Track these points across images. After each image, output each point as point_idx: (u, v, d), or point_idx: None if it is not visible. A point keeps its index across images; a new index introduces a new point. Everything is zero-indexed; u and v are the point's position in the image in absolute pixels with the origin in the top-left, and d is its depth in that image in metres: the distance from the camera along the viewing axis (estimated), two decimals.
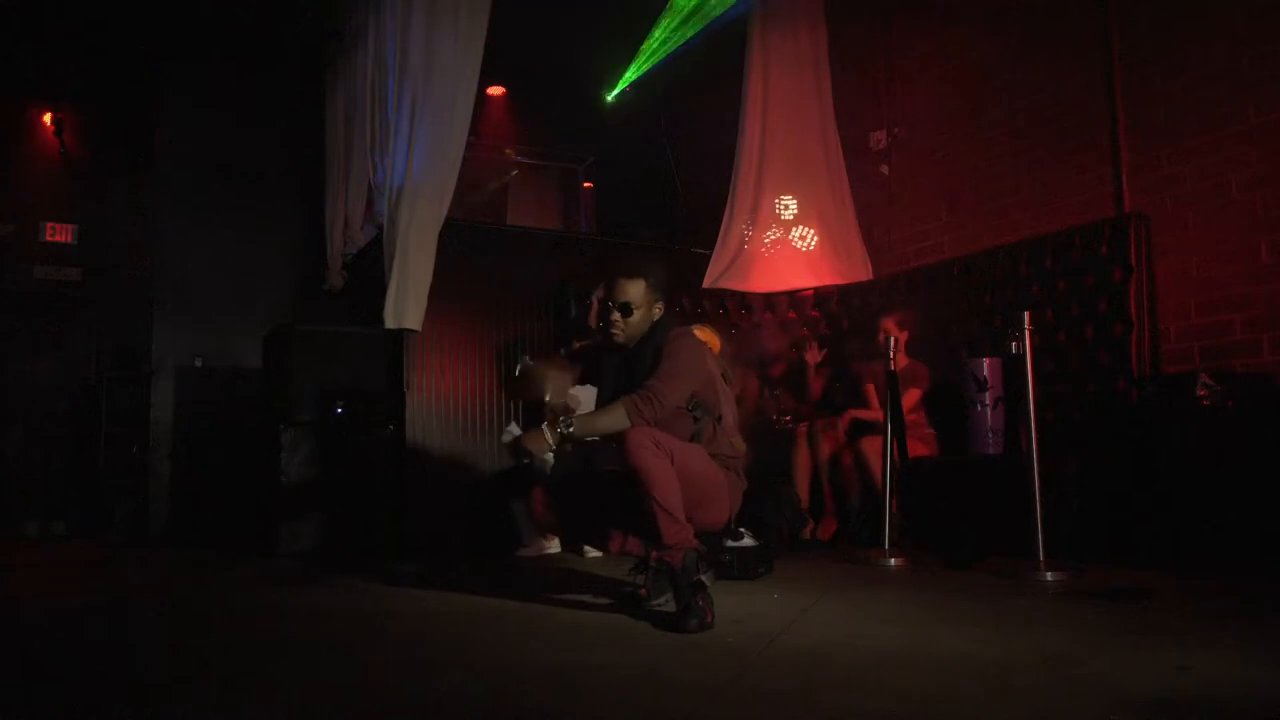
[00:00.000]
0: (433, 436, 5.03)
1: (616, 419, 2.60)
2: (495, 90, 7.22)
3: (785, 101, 5.69)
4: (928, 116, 5.47)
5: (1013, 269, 4.65)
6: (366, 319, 5.18)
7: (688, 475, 2.58)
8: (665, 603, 2.65)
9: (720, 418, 2.90)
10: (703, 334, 3.07)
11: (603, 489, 2.77)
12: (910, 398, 4.47)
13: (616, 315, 2.82)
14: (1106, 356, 4.15)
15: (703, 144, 6.60)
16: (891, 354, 4.06)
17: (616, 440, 2.57)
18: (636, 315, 2.82)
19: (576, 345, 4.63)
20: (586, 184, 7.72)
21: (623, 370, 2.87)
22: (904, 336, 4.64)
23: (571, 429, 2.60)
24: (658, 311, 2.87)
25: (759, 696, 1.76)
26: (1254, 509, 3.20)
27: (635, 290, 2.81)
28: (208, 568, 4.33)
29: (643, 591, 2.73)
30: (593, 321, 4.58)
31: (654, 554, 2.67)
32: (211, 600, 3.39)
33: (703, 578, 2.47)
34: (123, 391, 6.54)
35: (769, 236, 5.66)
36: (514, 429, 2.67)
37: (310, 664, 2.16)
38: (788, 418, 5.02)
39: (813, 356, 5.20)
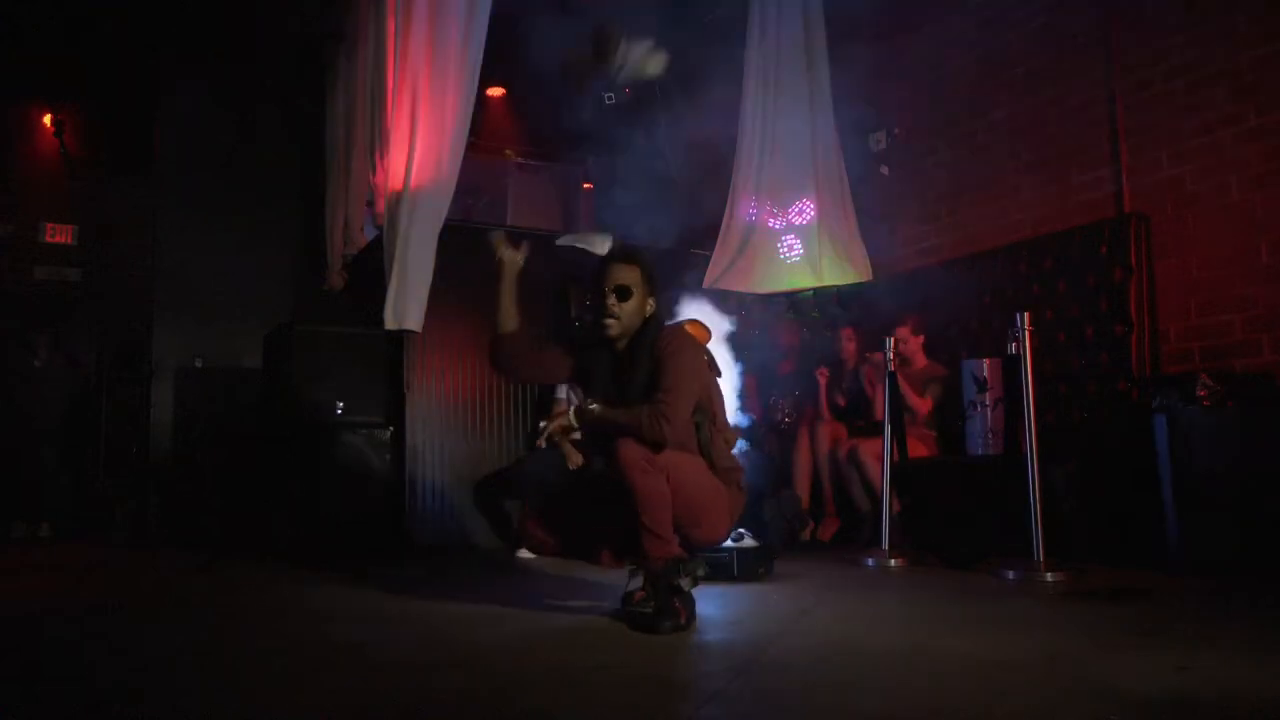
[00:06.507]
0: (433, 437, 5.03)
1: (630, 425, 2.49)
2: (495, 90, 7.22)
3: (785, 101, 5.69)
4: (928, 117, 5.47)
5: (1013, 269, 4.65)
6: (366, 319, 5.18)
7: (684, 490, 2.51)
8: None
9: (715, 416, 2.79)
10: (694, 330, 2.95)
11: (593, 508, 2.73)
12: (933, 394, 4.52)
13: (613, 300, 2.64)
14: (1106, 357, 4.15)
15: (703, 144, 6.60)
16: (892, 355, 4.09)
17: (609, 453, 2.50)
18: (633, 302, 2.66)
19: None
20: (586, 184, 7.72)
21: (612, 373, 2.73)
22: (920, 340, 4.68)
23: (594, 410, 2.54)
24: (650, 307, 2.72)
25: (759, 697, 1.76)
26: (1254, 509, 3.20)
27: (631, 275, 2.67)
28: (207, 568, 4.33)
29: (642, 593, 2.73)
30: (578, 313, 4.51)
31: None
32: (211, 601, 3.39)
33: (680, 583, 2.44)
34: (123, 391, 6.54)
35: (768, 237, 5.66)
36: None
37: (310, 665, 2.16)
38: (787, 418, 5.00)
39: (824, 375, 5.10)
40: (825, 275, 5.59)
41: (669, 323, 2.87)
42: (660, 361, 2.59)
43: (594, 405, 2.57)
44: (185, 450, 5.98)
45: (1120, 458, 3.69)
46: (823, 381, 4.99)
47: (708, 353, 2.91)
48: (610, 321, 2.66)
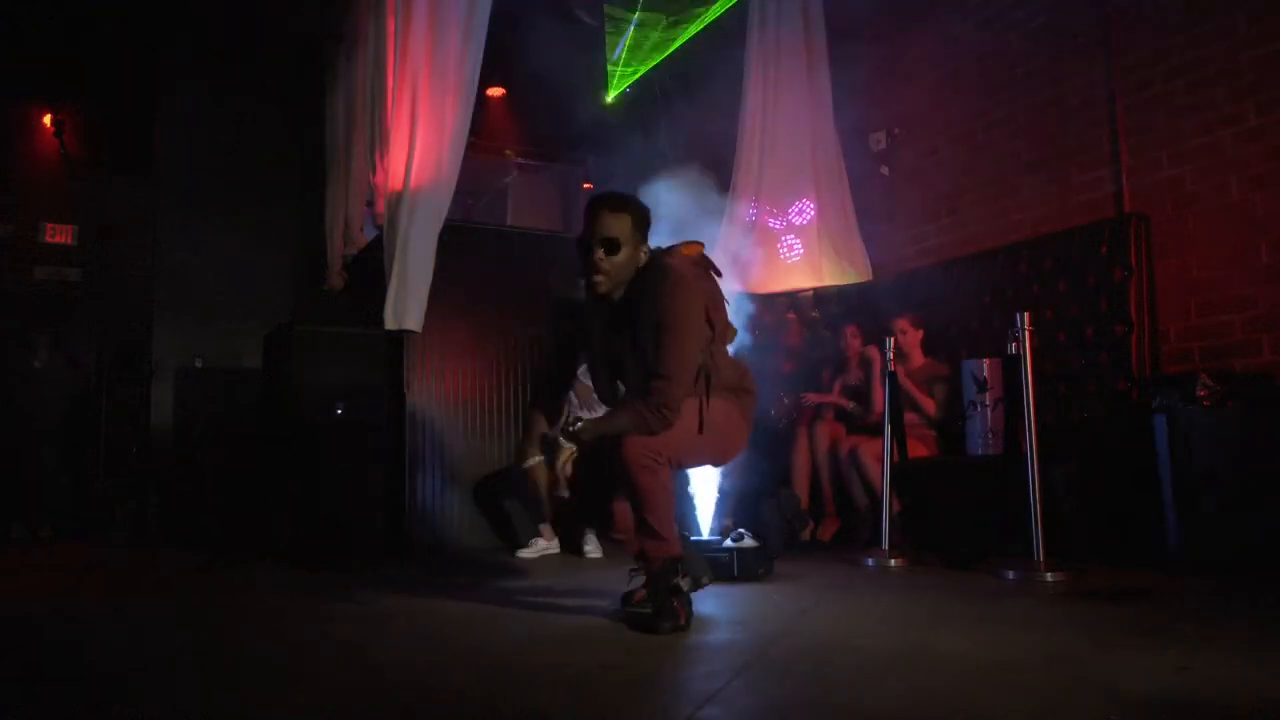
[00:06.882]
0: (432, 437, 5.03)
1: (634, 428, 2.40)
2: (495, 90, 7.22)
3: (785, 101, 5.69)
4: (928, 117, 5.47)
5: (1012, 269, 4.65)
6: (366, 319, 5.18)
7: (695, 445, 2.50)
8: None
9: (714, 326, 2.59)
10: (689, 250, 2.76)
11: (607, 479, 2.70)
12: (939, 394, 4.52)
13: (600, 253, 2.44)
14: (1106, 357, 4.15)
15: (702, 144, 6.60)
16: (892, 354, 4.09)
17: (612, 449, 2.43)
18: (622, 255, 2.45)
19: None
20: (586, 184, 7.72)
21: (615, 324, 2.55)
22: (920, 335, 4.67)
23: (583, 435, 2.44)
24: (643, 255, 2.53)
25: (759, 697, 1.76)
26: (1254, 509, 3.20)
27: (621, 225, 2.46)
28: (207, 568, 4.33)
29: (642, 594, 2.73)
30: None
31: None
32: (211, 601, 3.39)
33: (680, 582, 2.43)
34: (123, 391, 6.54)
35: (768, 237, 5.66)
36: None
37: (311, 665, 2.16)
38: (778, 413, 5.02)
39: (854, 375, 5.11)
40: (825, 275, 5.59)
41: (664, 249, 2.65)
42: (659, 318, 2.42)
43: (580, 423, 2.51)
44: (185, 450, 5.98)
45: (1120, 458, 3.69)
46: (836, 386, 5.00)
47: (707, 261, 2.72)
48: (598, 278, 2.46)
